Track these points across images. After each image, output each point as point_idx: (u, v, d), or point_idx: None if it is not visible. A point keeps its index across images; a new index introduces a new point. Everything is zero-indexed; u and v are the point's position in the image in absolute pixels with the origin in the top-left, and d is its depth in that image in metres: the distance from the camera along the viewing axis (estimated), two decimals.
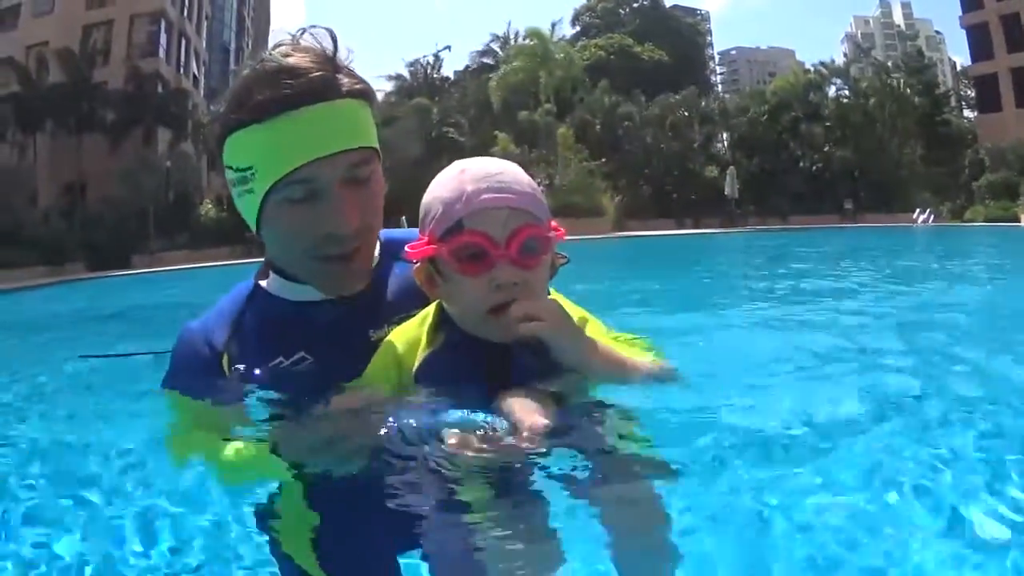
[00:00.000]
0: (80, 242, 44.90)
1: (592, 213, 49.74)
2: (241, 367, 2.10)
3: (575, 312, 2.02)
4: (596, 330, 2.02)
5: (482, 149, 60.76)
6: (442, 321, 1.97)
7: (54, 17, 59.89)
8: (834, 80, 67.12)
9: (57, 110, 52.12)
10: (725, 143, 65.17)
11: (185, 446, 2.16)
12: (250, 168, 1.97)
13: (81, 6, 61.02)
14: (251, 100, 1.93)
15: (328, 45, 2.02)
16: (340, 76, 1.99)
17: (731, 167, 55.61)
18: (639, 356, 1.98)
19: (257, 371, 2.09)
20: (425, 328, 1.99)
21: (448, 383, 1.89)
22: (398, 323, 2.07)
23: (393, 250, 2.17)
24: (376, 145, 2.10)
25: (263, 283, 2.23)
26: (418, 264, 1.94)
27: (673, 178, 58.87)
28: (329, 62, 1.99)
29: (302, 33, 2.06)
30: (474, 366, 1.90)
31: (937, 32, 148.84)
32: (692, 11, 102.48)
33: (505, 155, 58.11)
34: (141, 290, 19.75)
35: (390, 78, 79.20)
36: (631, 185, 58.22)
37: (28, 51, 57.79)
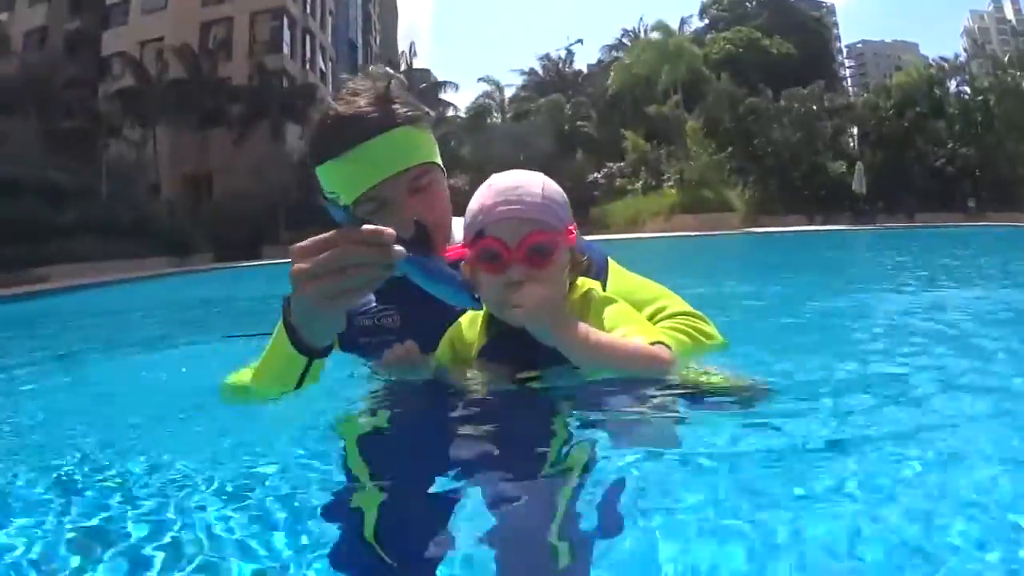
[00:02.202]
0: (208, 234, 45.75)
1: (721, 208, 49.25)
2: None
3: (613, 291, 2.53)
4: (619, 313, 2.31)
5: (612, 144, 60.70)
6: (491, 317, 2.37)
7: (168, 13, 61.70)
8: (955, 75, 65.46)
9: (178, 105, 53.00)
10: (854, 138, 64.05)
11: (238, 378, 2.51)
12: (334, 192, 2.53)
13: (196, 3, 62.60)
14: (323, 144, 2.51)
15: (378, 87, 2.53)
16: (394, 108, 2.50)
17: (859, 163, 54.71)
18: (639, 348, 2.17)
19: (355, 314, 2.64)
20: (478, 323, 2.44)
21: (497, 363, 2.35)
22: None
23: None
24: (434, 159, 2.60)
25: None
26: (464, 263, 2.34)
27: (802, 173, 57.93)
28: (382, 99, 2.50)
29: (351, 79, 2.66)
30: (513, 350, 2.29)
31: None
32: (818, 4, 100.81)
33: (634, 151, 58.35)
34: (272, 281, 19.94)
35: (522, 73, 79.73)
36: (760, 180, 57.39)
37: (142, 47, 59.04)
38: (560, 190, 2.35)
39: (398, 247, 1.81)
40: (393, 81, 2.59)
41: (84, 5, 63.54)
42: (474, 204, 2.30)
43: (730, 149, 55.97)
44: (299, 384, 2.20)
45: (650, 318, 2.54)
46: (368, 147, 2.44)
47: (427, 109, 2.67)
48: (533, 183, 2.29)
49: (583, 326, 2.12)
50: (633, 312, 2.39)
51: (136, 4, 62.68)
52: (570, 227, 2.32)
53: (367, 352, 2.65)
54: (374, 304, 2.68)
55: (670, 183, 54.98)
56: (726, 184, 53.75)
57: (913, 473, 1.77)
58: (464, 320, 2.52)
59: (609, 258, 2.77)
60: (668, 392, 2.12)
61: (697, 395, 2.13)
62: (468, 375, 2.40)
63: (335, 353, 2.53)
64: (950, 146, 59.10)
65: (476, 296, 2.05)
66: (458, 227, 2.56)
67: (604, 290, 2.52)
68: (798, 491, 1.71)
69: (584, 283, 2.42)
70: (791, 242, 30.99)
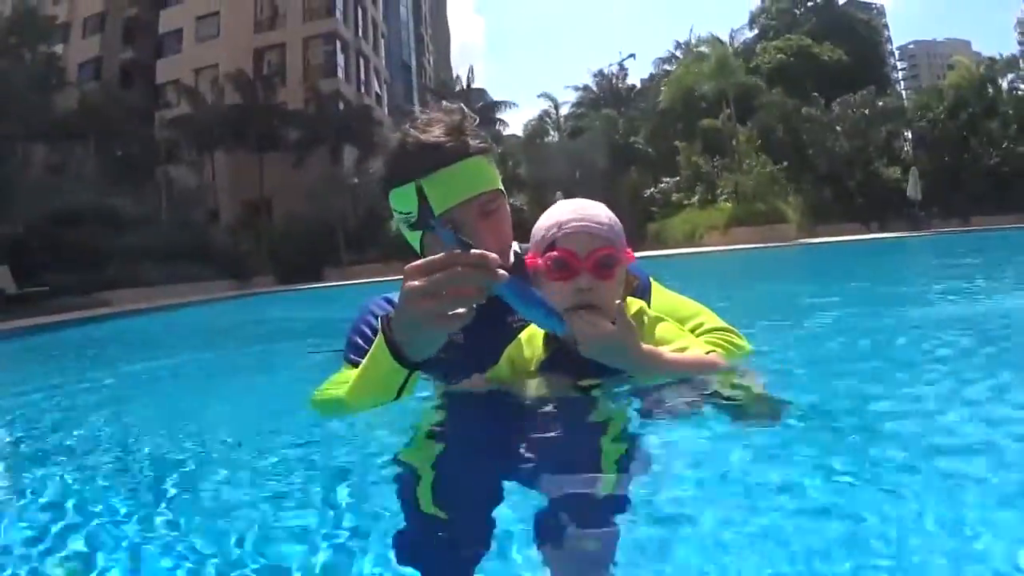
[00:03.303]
0: (269, 256, 46.23)
1: (777, 220, 48.88)
2: None
3: (656, 308, 2.76)
4: (667, 331, 2.61)
5: (667, 158, 60.26)
6: (549, 336, 2.58)
7: (221, 41, 63.27)
8: (1008, 72, 63.96)
9: (235, 131, 53.90)
10: (908, 143, 63.22)
11: (325, 393, 2.69)
12: (410, 212, 2.69)
13: (249, 30, 63.95)
14: (404, 167, 2.65)
15: (452, 118, 2.69)
16: (466, 139, 2.67)
17: (913, 168, 53.90)
18: (700, 359, 2.52)
19: None
20: (536, 342, 2.64)
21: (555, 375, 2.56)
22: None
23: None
24: (500, 186, 2.79)
25: None
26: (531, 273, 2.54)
27: (856, 181, 57.38)
28: (457, 130, 2.67)
29: (425, 110, 2.82)
30: (571, 364, 2.49)
31: None
32: (867, 6, 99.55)
33: (688, 166, 57.90)
34: (335, 302, 20.09)
35: (576, 89, 79.39)
36: (815, 189, 56.86)
37: (197, 74, 60.49)
38: (617, 219, 2.60)
39: (501, 271, 2.01)
40: (466, 116, 2.77)
41: (137, 35, 64.70)
42: (546, 221, 2.53)
43: (785, 164, 55.34)
44: (398, 395, 2.40)
45: (691, 331, 2.79)
46: (445, 173, 2.61)
47: (492, 143, 2.86)
48: (600, 208, 2.55)
49: (647, 349, 2.40)
50: (681, 328, 2.69)
51: (189, 33, 63.85)
52: (627, 249, 2.55)
53: (432, 367, 2.67)
54: None
55: (724, 197, 54.49)
56: (780, 195, 53.17)
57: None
58: (523, 338, 2.70)
59: (651, 278, 3.02)
60: (704, 394, 2.41)
61: (726, 405, 2.37)
62: (529, 385, 2.60)
63: None
64: (1005, 146, 57.89)
65: (562, 320, 2.22)
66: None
67: (648, 307, 2.75)
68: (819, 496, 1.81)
69: (633, 302, 2.62)
70: (846, 252, 30.61)
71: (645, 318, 2.62)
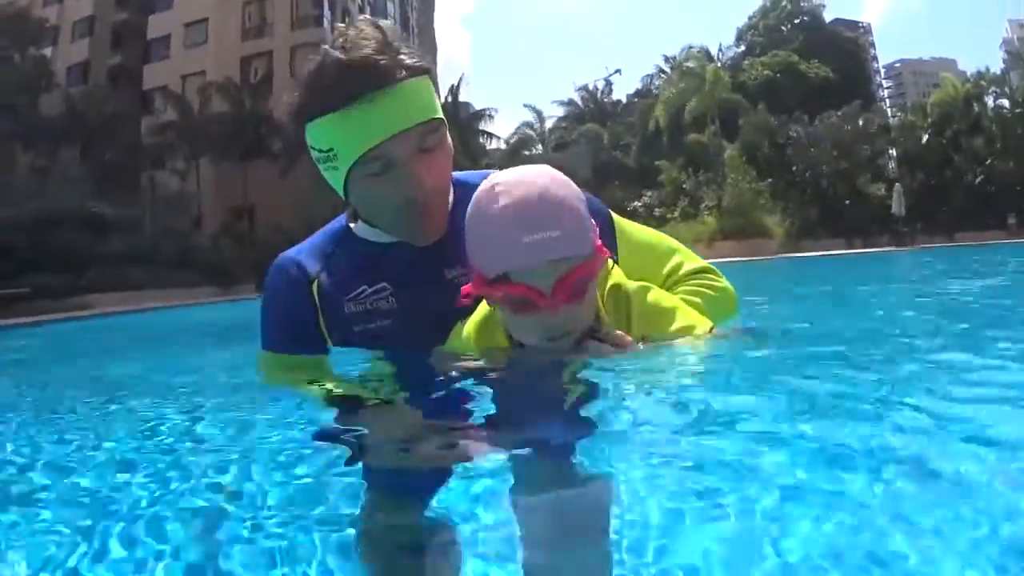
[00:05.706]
0: (252, 264, 46.17)
1: (761, 235, 48.96)
2: (329, 293, 2.52)
3: (629, 248, 2.53)
4: (660, 297, 2.26)
5: (651, 173, 60.36)
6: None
7: (208, 48, 62.78)
8: (993, 90, 64.40)
9: (221, 139, 53.68)
10: (893, 160, 63.39)
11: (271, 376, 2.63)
12: (331, 150, 2.28)
13: (236, 38, 63.34)
14: (323, 92, 2.22)
15: (380, 35, 2.26)
16: (399, 58, 2.24)
17: (897, 184, 54.11)
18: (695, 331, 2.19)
19: (344, 299, 2.49)
20: (496, 332, 2.22)
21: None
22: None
23: (464, 193, 2.29)
24: (440, 114, 2.35)
25: (352, 226, 2.64)
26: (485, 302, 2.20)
27: (841, 197, 57.54)
28: (386, 48, 2.23)
29: (348, 26, 2.32)
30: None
31: None
32: (854, 24, 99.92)
33: (669, 183, 58.02)
34: None
35: (562, 104, 79.53)
36: (800, 205, 57.15)
37: (184, 81, 60.32)
38: (569, 183, 2.09)
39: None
40: (393, 30, 2.33)
41: (126, 40, 64.47)
42: (485, 227, 2.02)
43: (769, 180, 55.60)
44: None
45: (668, 275, 2.60)
46: (377, 98, 2.19)
47: (431, 63, 2.38)
48: (550, 202, 1.98)
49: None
50: (665, 301, 2.28)
51: (177, 39, 63.49)
52: (598, 245, 2.07)
53: (363, 341, 2.50)
54: (364, 287, 2.48)
55: (707, 211, 54.60)
56: (765, 210, 53.25)
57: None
58: (476, 321, 2.30)
59: (613, 214, 2.64)
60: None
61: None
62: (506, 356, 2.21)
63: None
64: (988, 163, 58.19)
65: None
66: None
67: (616, 252, 2.47)
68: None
69: (608, 275, 2.26)
70: (825, 264, 30.75)
71: (623, 294, 2.23)
